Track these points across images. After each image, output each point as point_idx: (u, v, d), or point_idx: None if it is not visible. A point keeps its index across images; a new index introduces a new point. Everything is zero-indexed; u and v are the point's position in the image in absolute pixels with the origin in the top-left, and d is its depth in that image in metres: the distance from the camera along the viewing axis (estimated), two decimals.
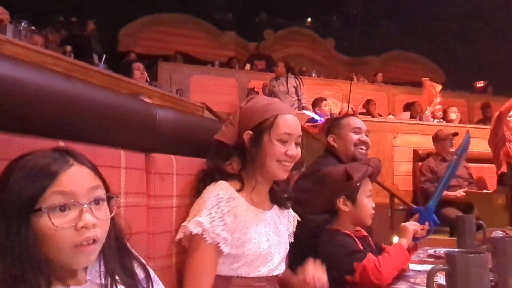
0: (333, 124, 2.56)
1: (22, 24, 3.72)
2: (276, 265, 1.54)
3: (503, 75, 10.05)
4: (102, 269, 0.98)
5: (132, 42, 10.72)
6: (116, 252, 1.01)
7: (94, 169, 0.96)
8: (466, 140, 2.10)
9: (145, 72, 5.48)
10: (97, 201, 0.93)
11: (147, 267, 1.11)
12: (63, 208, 0.87)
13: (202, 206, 1.42)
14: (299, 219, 1.74)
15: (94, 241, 0.91)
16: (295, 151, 1.53)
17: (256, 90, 7.92)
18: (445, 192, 4.22)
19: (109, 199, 0.96)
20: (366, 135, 2.46)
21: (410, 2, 11.24)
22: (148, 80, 5.72)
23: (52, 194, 0.86)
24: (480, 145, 5.07)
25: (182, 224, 1.44)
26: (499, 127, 4.09)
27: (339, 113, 6.15)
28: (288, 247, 1.64)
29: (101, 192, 0.94)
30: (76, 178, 0.90)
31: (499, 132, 4.09)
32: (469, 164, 4.68)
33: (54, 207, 0.86)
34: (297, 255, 1.83)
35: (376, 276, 1.62)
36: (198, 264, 1.40)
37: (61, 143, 1.13)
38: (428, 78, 7.31)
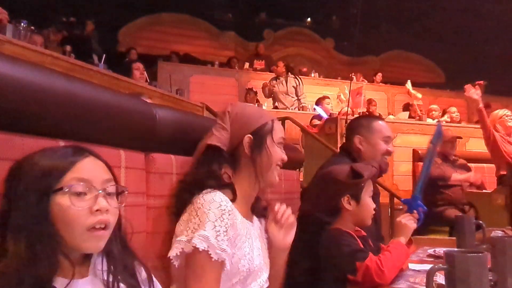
0: (362, 124, 2.44)
1: (22, 24, 3.72)
2: (266, 280, 1.51)
3: (503, 75, 10.05)
4: (105, 267, 1.01)
5: (132, 42, 10.70)
6: (120, 251, 1.04)
7: (107, 164, 1.04)
8: (438, 129, 2.14)
9: (145, 72, 5.48)
10: (109, 193, 0.99)
11: (148, 268, 1.11)
12: (79, 193, 0.94)
13: (204, 218, 1.30)
14: None
15: (105, 226, 0.97)
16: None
17: (254, 90, 7.92)
18: (453, 176, 4.27)
19: (119, 193, 1.03)
20: (391, 143, 2.42)
21: (409, 2, 11.24)
22: (148, 80, 5.72)
23: (72, 179, 0.94)
24: (479, 145, 5.07)
25: (177, 239, 1.33)
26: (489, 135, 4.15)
27: (338, 113, 6.14)
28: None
29: (112, 186, 1.01)
30: (92, 168, 0.98)
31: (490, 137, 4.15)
32: (469, 164, 4.69)
33: (73, 189, 0.93)
34: (300, 253, 1.83)
35: (379, 276, 1.62)
36: (204, 286, 1.29)
37: (61, 143, 1.14)
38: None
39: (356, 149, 2.38)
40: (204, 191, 1.38)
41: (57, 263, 0.91)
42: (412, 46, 12.80)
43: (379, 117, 2.79)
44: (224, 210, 1.33)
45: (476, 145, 5.30)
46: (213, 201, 1.34)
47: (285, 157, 1.55)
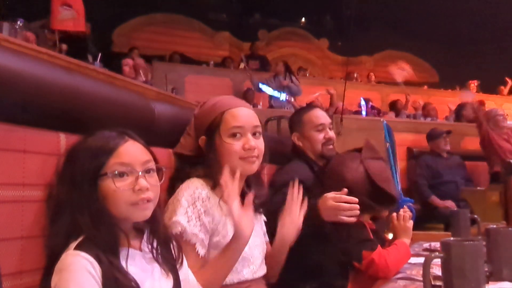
0: (293, 121, 2.37)
1: (18, 22, 3.72)
2: (259, 266, 1.51)
3: (495, 74, 10.13)
4: (151, 241, 1.16)
5: (126, 43, 10.67)
6: (162, 226, 1.20)
7: (144, 145, 1.15)
8: (386, 127, 2.16)
9: (141, 70, 5.46)
10: (148, 171, 1.11)
11: (179, 245, 1.26)
12: (122, 174, 1.07)
13: (177, 205, 1.36)
14: (265, 219, 1.68)
15: (148, 200, 1.09)
16: (254, 142, 1.45)
17: (252, 89, 7.93)
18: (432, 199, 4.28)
19: (158, 170, 1.15)
20: (330, 129, 2.31)
21: (403, 2, 11.29)
22: (144, 78, 5.71)
23: (114, 164, 1.06)
24: (474, 143, 5.11)
25: None
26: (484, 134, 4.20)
27: (336, 111, 6.16)
28: (265, 247, 1.60)
29: (152, 165, 1.13)
30: (131, 151, 1.10)
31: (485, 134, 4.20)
32: (464, 162, 4.72)
33: (116, 173, 1.06)
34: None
35: (384, 273, 1.65)
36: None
37: (62, 135, 1.15)
38: None
39: (297, 147, 2.31)
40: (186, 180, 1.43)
41: (116, 231, 1.06)
42: (405, 46, 12.85)
43: (311, 107, 2.62)
44: (198, 197, 1.38)
45: (471, 143, 5.33)
46: (188, 188, 1.39)
47: (249, 145, 1.44)
